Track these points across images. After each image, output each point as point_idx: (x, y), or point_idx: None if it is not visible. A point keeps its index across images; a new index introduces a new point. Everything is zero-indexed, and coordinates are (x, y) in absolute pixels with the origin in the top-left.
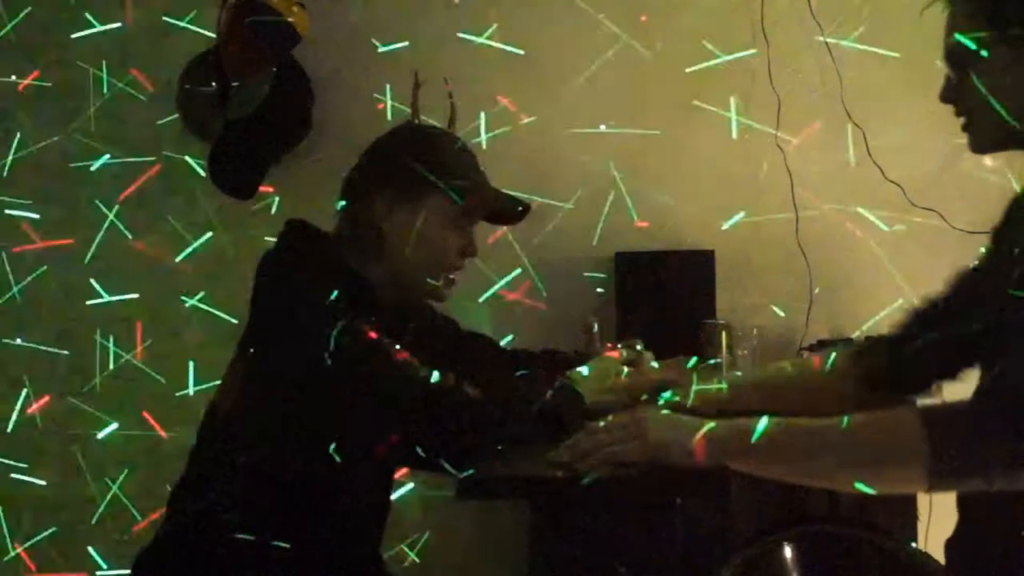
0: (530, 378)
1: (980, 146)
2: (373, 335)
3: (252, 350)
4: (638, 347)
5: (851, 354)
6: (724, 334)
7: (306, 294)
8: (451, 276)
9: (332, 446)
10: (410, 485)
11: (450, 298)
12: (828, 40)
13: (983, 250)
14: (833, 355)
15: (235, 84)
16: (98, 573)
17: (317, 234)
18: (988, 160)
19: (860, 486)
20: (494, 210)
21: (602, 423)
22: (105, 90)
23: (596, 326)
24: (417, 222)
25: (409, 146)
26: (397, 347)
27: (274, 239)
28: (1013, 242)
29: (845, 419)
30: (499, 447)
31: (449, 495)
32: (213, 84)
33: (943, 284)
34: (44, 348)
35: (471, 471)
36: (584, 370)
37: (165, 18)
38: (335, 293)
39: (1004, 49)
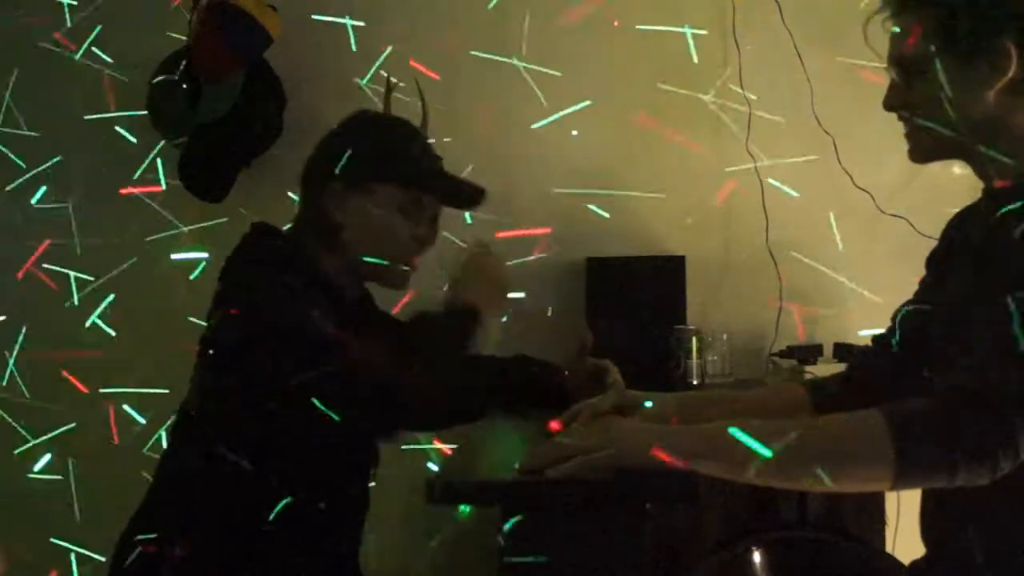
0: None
1: (922, 155)
2: (332, 328)
3: (214, 348)
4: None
5: (806, 390)
6: (694, 340)
7: (264, 289)
8: (407, 265)
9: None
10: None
11: (407, 286)
12: (799, 47)
13: (921, 280)
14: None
15: (206, 87)
16: None
17: (276, 232)
18: (957, 168)
19: (826, 486)
20: (447, 195)
21: (570, 431)
22: None
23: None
24: (368, 211)
25: (359, 135)
26: (353, 337)
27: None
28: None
29: (811, 421)
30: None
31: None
32: (184, 86)
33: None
34: None
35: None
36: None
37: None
38: (294, 287)
39: (952, 60)
